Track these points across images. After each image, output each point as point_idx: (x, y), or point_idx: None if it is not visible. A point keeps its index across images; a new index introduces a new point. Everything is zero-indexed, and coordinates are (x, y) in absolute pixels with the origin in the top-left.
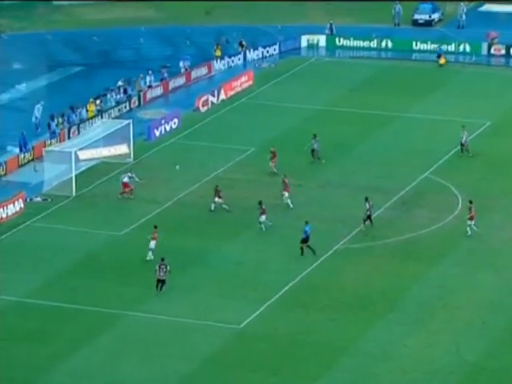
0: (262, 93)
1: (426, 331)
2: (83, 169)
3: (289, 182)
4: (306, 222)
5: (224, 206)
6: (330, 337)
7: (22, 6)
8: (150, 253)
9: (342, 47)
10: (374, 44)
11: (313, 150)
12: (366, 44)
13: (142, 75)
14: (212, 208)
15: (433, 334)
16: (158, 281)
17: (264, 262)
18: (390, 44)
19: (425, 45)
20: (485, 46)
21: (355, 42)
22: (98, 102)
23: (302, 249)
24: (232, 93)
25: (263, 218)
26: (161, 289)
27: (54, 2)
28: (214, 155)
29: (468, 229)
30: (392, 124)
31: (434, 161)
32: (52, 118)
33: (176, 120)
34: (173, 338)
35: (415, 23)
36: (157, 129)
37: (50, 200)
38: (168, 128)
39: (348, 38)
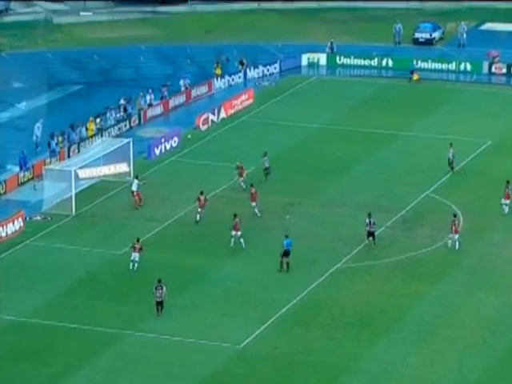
0: (262, 111)
1: (427, 350)
2: (83, 187)
3: (256, 192)
4: (286, 236)
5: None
6: (330, 356)
7: (22, 24)
8: (131, 264)
9: (343, 66)
10: (374, 62)
11: (266, 169)
12: (366, 62)
13: (142, 94)
14: (198, 218)
15: (434, 353)
16: (157, 303)
17: (265, 280)
18: (390, 62)
19: (425, 63)
20: (486, 64)
21: (356, 61)
22: (97, 120)
23: (281, 263)
24: (232, 111)
25: (233, 232)
26: (160, 312)
27: (55, 21)
28: (215, 174)
29: (456, 243)
30: (393, 142)
31: (435, 179)
32: (52, 137)
33: (176, 139)
34: (173, 357)
35: (416, 42)
36: (157, 147)
37: (49, 219)
38: (168, 147)
39: (349, 56)
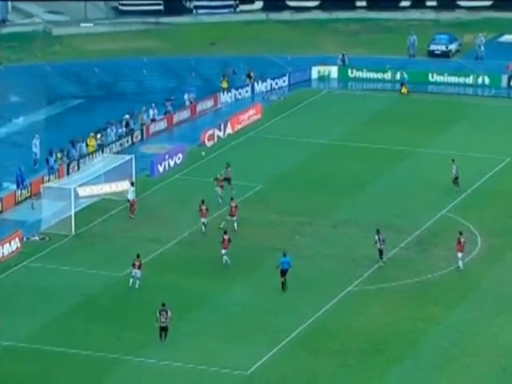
0: (270, 126)
1: (443, 378)
2: (83, 206)
3: (235, 206)
4: (284, 254)
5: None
6: None
7: (20, 36)
8: (131, 280)
9: (355, 79)
10: (388, 76)
11: (228, 180)
12: (379, 76)
13: (144, 108)
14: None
15: (451, 382)
16: (161, 329)
17: (272, 304)
18: (405, 75)
19: (441, 77)
20: (504, 78)
21: (368, 74)
22: (98, 136)
23: (282, 283)
24: (239, 126)
25: (223, 251)
26: (164, 338)
27: (54, 33)
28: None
29: (460, 263)
30: (407, 159)
31: (452, 198)
32: (50, 153)
33: (180, 155)
34: None
35: (431, 54)
36: (160, 164)
37: (48, 239)
38: (172, 163)
39: (361, 69)
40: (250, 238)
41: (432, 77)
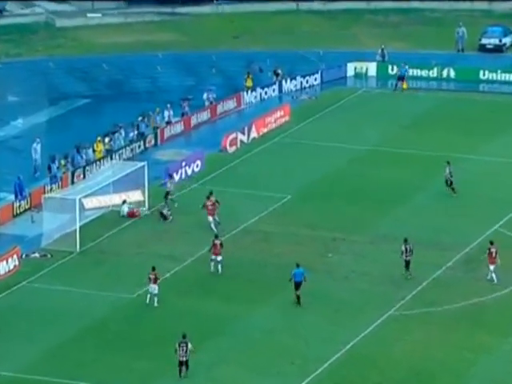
0: (300, 130)
1: None
2: (89, 219)
3: (215, 207)
4: (298, 265)
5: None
6: None
7: (20, 28)
8: (148, 296)
9: (396, 77)
10: (433, 73)
11: (167, 193)
12: (424, 73)
13: (158, 109)
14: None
15: None
16: (180, 363)
17: (301, 330)
18: (452, 73)
19: (494, 74)
20: None
21: (411, 71)
22: (107, 140)
23: (297, 297)
24: (265, 130)
25: (213, 256)
26: (185, 373)
27: (57, 24)
28: (244, 204)
29: (493, 275)
30: (455, 167)
31: (506, 211)
32: (53, 160)
33: (199, 162)
34: None
35: (483, 49)
36: (176, 173)
37: (49, 256)
38: (189, 172)
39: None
40: (276, 255)
41: (483, 74)
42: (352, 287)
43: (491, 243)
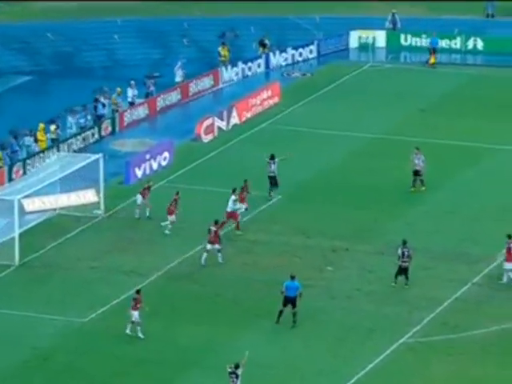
0: (291, 115)
1: None
2: (31, 225)
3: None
4: (292, 277)
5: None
6: None
7: None
8: (129, 327)
9: (410, 48)
10: (456, 44)
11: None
12: (444, 44)
13: (120, 89)
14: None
15: None
16: None
17: (295, 362)
18: (480, 44)
19: None
20: None
21: (429, 41)
22: (53, 127)
23: (279, 314)
24: (249, 115)
25: (208, 246)
26: None
27: None
28: (223, 206)
29: (504, 274)
30: (482, 161)
31: None
32: None
33: (167, 154)
34: None
35: None
36: (139, 167)
37: None
38: (155, 166)
39: (418, 35)
40: (263, 269)
41: None
42: (356, 308)
43: (509, 237)
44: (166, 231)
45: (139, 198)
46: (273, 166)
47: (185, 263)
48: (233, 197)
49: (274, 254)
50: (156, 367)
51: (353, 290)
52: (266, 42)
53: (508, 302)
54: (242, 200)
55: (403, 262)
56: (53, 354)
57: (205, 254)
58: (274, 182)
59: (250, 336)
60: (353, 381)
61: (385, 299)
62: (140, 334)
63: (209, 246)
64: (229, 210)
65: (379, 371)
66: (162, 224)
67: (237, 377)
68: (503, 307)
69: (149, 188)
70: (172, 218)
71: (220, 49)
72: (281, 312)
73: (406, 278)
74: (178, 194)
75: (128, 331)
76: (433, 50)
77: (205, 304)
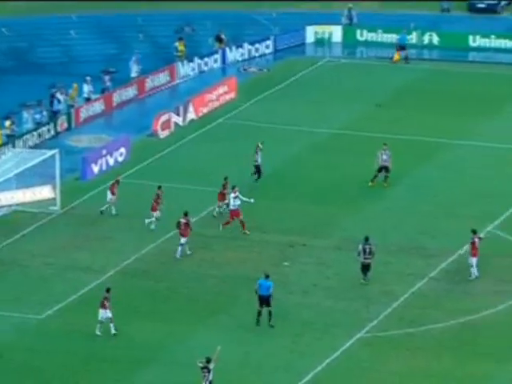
0: (248, 110)
1: None
2: None
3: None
4: (267, 276)
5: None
6: None
7: None
8: (98, 326)
9: (366, 43)
10: (412, 39)
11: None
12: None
13: (76, 85)
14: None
15: None
16: None
17: (252, 358)
18: (435, 39)
19: (486, 40)
20: None
21: (385, 36)
22: (8, 123)
23: (258, 314)
24: (205, 110)
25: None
26: None
27: None
28: (179, 201)
29: (471, 270)
30: (439, 155)
31: (501, 209)
32: None
33: (123, 150)
34: None
35: (473, 9)
36: (95, 163)
37: None
38: (111, 162)
39: (374, 29)
40: (219, 265)
41: (474, 40)
42: (313, 304)
43: (474, 232)
44: (152, 226)
45: (108, 193)
46: (259, 154)
47: (141, 259)
48: (233, 194)
49: (230, 249)
50: (112, 364)
51: (310, 286)
52: (223, 37)
53: (465, 296)
54: (223, 197)
55: (365, 258)
56: (7, 352)
57: (179, 248)
58: (258, 170)
59: (205, 332)
60: (310, 376)
61: (342, 294)
62: (113, 330)
63: (183, 240)
64: (232, 208)
65: (336, 366)
66: (147, 221)
67: (209, 371)
68: (460, 301)
69: (117, 182)
70: (157, 213)
71: (177, 44)
72: (259, 312)
73: (366, 274)
74: (160, 188)
75: (98, 332)
76: (400, 47)
77: (161, 300)
